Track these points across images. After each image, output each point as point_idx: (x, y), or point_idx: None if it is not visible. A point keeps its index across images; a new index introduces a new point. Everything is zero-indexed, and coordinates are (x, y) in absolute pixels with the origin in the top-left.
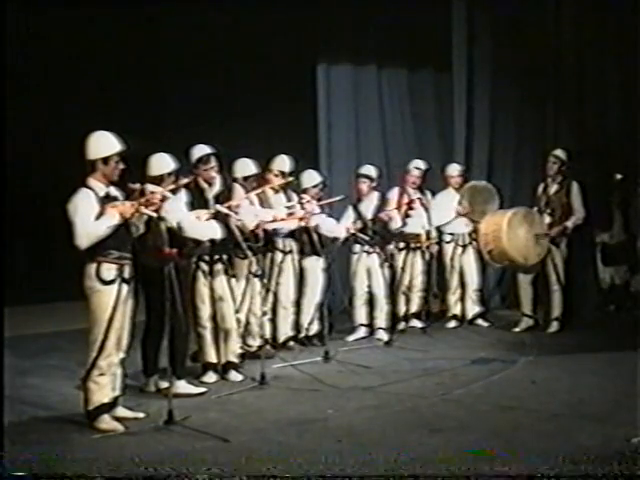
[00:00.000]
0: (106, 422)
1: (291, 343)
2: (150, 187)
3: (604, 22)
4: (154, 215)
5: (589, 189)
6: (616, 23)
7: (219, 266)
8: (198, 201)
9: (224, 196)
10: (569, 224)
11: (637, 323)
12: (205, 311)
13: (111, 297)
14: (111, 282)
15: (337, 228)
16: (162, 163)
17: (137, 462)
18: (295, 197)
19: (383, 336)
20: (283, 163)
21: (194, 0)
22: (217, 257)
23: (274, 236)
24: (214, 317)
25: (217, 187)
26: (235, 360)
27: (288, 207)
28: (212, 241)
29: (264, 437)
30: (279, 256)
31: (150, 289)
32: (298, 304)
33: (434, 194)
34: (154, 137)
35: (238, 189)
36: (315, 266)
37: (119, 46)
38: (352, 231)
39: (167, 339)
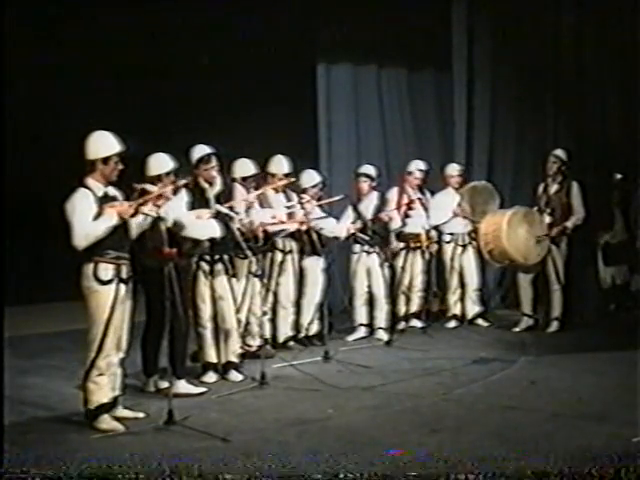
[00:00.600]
0: (106, 422)
1: (291, 343)
2: (149, 187)
3: (604, 22)
4: (154, 215)
5: (589, 189)
6: (616, 23)
7: (220, 266)
8: (199, 201)
9: (225, 196)
10: (569, 224)
11: (637, 323)
12: (206, 311)
13: (109, 297)
14: (109, 282)
15: (337, 228)
16: (160, 163)
17: (137, 462)
18: (295, 197)
19: (383, 336)
20: (282, 165)
21: (195, 1)
22: (218, 257)
23: (274, 236)
24: (214, 317)
25: (218, 187)
26: (235, 360)
27: (288, 207)
28: (212, 241)
29: (264, 437)
30: (279, 256)
31: (150, 289)
32: (298, 304)
33: (433, 194)
34: (154, 137)
35: (239, 189)
36: (315, 266)
37: (119, 46)
38: (352, 231)
39: (167, 339)
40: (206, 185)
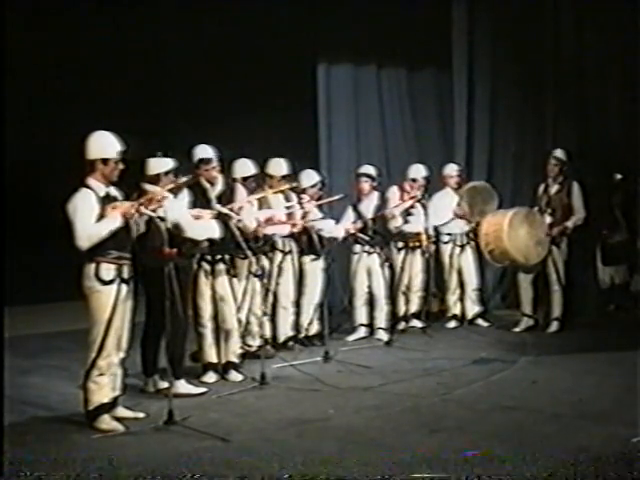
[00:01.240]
0: (106, 422)
1: (291, 343)
2: (148, 187)
3: (604, 22)
4: (154, 215)
5: (589, 189)
6: (616, 23)
7: (221, 266)
8: (200, 201)
9: (226, 196)
10: (569, 224)
11: (637, 323)
12: (206, 311)
13: (110, 297)
14: (110, 282)
15: (335, 229)
16: (159, 162)
17: (137, 462)
18: (294, 197)
19: (383, 336)
20: (280, 167)
21: (195, 1)
22: (219, 257)
23: (273, 236)
24: (215, 317)
25: (219, 187)
26: (235, 360)
27: (287, 207)
28: (211, 241)
29: (264, 437)
30: (279, 256)
31: (150, 289)
32: (298, 304)
33: (430, 194)
34: (154, 138)
35: (240, 189)
36: (315, 266)
37: (119, 46)
38: (352, 231)
39: (166, 339)
40: (207, 185)
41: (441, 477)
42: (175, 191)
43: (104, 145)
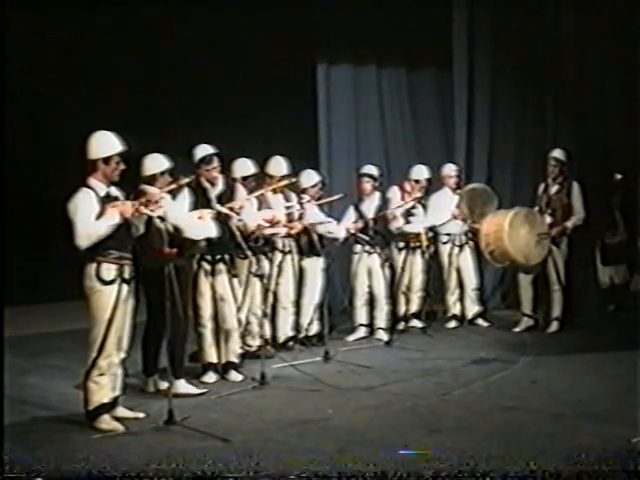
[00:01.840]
0: (106, 422)
1: (291, 343)
2: (145, 187)
3: (604, 22)
4: (154, 215)
5: (589, 189)
6: (616, 23)
7: (221, 266)
8: (201, 201)
9: (227, 196)
10: (569, 224)
11: (637, 323)
12: (206, 311)
13: (111, 297)
14: (111, 282)
15: (336, 229)
16: (155, 163)
17: (137, 462)
18: (294, 197)
19: (383, 336)
20: (280, 166)
21: (194, 1)
22: (219, 257)
23: (272, 237)
24: (215, 317)
25: (220, 187)
26: (235, 360)
27: (287, 207)
28: (209, 240)
29: (264, 437)
30: (279, 256)
31: (150, 289)
32: (298, 304)
33: (430, 194)
34: (154, 138)
35: (240, 189)
36: (315, 266)
37: (120, 46)
38: (352, 231)
39: (166, 339)
40: (208, 185)
41: (441, 477)
42: (176, 191)
43: (105, 145)
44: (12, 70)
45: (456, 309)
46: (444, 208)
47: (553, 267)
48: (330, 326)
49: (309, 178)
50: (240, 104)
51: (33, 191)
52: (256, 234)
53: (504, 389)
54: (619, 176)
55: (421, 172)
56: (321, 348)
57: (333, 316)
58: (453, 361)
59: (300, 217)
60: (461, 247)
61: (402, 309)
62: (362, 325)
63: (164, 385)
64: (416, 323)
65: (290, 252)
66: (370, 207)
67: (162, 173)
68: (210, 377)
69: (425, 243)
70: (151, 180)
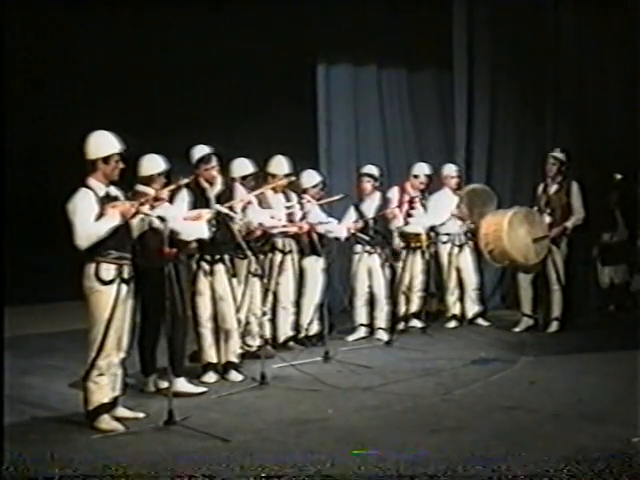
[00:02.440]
0: (106, 422)
1: (291, 343)
2: (141, 188)
3: (604, 22)
4: (153, 215)
5: (589, 189)
6: (616, 23)
7: (220, 266)
8: (200, 201)
9: (225, 196)
10: (569, 224)
11: (637, 323)
12: (206, 311)
13: (110, 297)
14: (110, 282)
15: (338, 228)
16: (152, 164)
17: (137, 462)
18: (295, 197)
19: (383, 336)
20: (282, 166)
21: (195, 0)
22: (218, 257)
23: (273, 236)
24: (215, 317)
25: (218, 187)
26: (235, 360)
27: (288, 207)
28: (200, 241)
29: (264, 437)
30: (279, 256)
31: (147, 289)
32: (298, 304)
33: (430, 194)
34: (153, 138)
35: (239, 189)
36: (315, 266)
37: (119, 46)
38: (353, 231)
39: (166, 339)
40: (207, 185)
41: (441, 477)
42: (175, 192)
43: (104, 144)
44: (12, 70)
45: (456, 309)
46: (444, 208)
47: (553, 267)
48: (330, 326)
49: (310, 178)
50: (240, 104)
51: (33, 191)
52: (258, 233)
53: (504, 389)
54: (619, 176)
55: (421, 168)
56: (321, 348)
57: (333, 316)
58: (453, 361)
59: (303, 217)
60: (461, 247)
61: (402, 309)
62: (362, 325)
63: (164, 384)
64: (416, 323)
65: (290, 252)
66: (371, 207)
67: (159, 174)
68: (210, 377)
69: (425, 243)
70: (148, 181)
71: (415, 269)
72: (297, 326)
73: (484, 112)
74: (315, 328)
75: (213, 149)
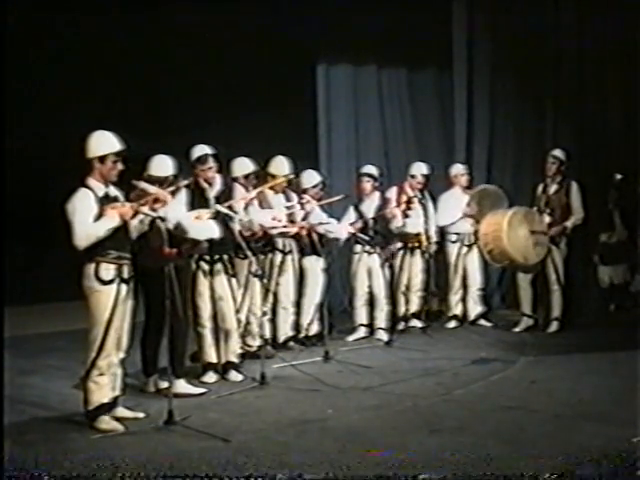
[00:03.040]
0: (106, 422)
1: (291, 343)
2: (150, 188)
3: (604, 22)
4: (154, 215)
5: (589, 189)
6: (616, 23)
7: (219, 266)
8: (199, 201)
9: (225, 196)
10: (568, 224)
11: (637, 322)
12: (205, 311)
13: (110, 297)
14: (110, 282)
15: (338, 228)
16: (163, 165)
17: (137, 462)
18: (295, 197)
19: (383, 336)
20: (283, 166)
21: (194, 0)
22: (217, 257)
23: (274, 237)
24: (214, 317)
25: (217, 187)
26: (235, 360)
27: (288, 207)
28: (210, 241)
29: (264, 437)
30: (279, 256)
31: (149, 289)
32: (298, 304)
33: (432, 195)
34: (154, 138)
35: (239, 189)
36: (315, 266)
37: (120, 46)
38: (352, 231)
39: (167, 339)
40: (206, 185)
41: (441, 477)
42: (174, 192)
43: (100, 144)
44: (12, 70)
45: (458, 309)
46: (453, 207)
47: (552, 267)
48: (330, 326)
49: (310, 178)
50: (240, 104)
51: (33, 191)
52: (260, 234)
53: (504, 389)
54: (619, 176)
55: (418, 168)
56: (321, 348)
57: (333, 316)
58: (453, 361)
59: (305, 218)
60: (470, 247)
61: (402, 309)
62: (362, 325)
63: (164, 384)
64: (416, 323)
65: (291, 252)
66: (370, 207)
67: (169, 176)
68: (210, 377)
69: (425, 243)
70: (157, 182)
71: (414, 269)
72: (297, 326)
73: (484, 112)
74: (315, 328)
75: (213, 150)
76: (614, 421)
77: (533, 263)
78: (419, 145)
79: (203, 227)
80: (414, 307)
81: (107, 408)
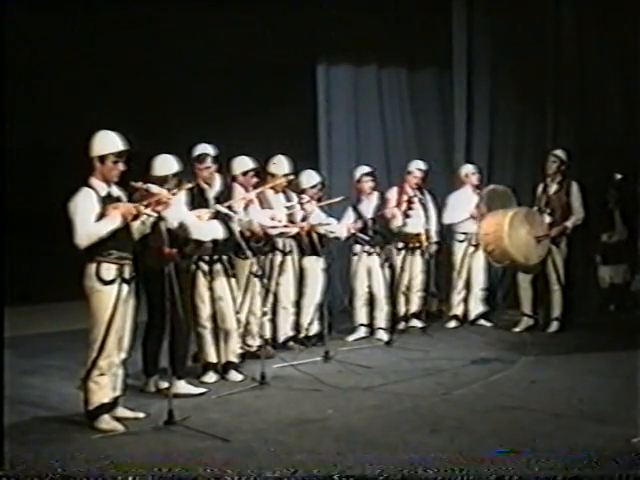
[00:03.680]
0: (106, 422)
1: (291, 343)
2: (153, 188)
3: (605, 21)
4: (154, 215)
5: (589, 189)
6: (617, 21)
7: (219, 266)
8: (198, 201)
9: (224, 196)
10: (569, 224)
11: (637, 323)
12: (205, 311)
13: (111, 297)
14: (111, 282)
15: (337, 228)
16: (166, 165)
17: (137, 462)
18: (295, 197)
19: (383, 336)
20: (282, 166)
21: (195, 0)
22: (217, 257)
23: (274, 237)
24: (214, 317)
25: (217, 187)
26: (235, 360)
27: (288, 207)
28: (214, 241)
29: (264, 437)
30: (279, 256)
31: (151, 289)
32: (298, 304)
33: (432, 194)
34: (154, 138)
35: (238, 189)
36: (315, 266)
37: (120, 46)
38: (352, 231)
39: (168, 339)
40: (205, 186)
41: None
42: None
43: (102, 143)
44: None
45: (459, 309)
46: (463, 207)
47: (553, 267)
48: (329, 327)
49: (309, 179)
50: (240, 104)
51: (33, 191)
52: (260, 234)
53: (504, 389)
54: (619, 176)
55: (414, 164)
56: (321, 348)
57: (333, 316)
58: (453, 361)
59: (305, 218)
60: (476, 247)
61: (402, 309)
62: (362, 325)
63: (164, 384)
64: (416, 323)
65: (291, 252)
66: (369, 207)
67: (173, 175)
68: (210, 377)
69: (425, 243)
70: (160, 181)
71: (415, 269)
72: (297, 326)
73: (484, 112)
74: (315, 328)
75: (216, 150)
76: (614, 421)
77: (534, 263)
78: (419, 145)
79: (207, 228)
80: (414, 307)
81: (107, 408)
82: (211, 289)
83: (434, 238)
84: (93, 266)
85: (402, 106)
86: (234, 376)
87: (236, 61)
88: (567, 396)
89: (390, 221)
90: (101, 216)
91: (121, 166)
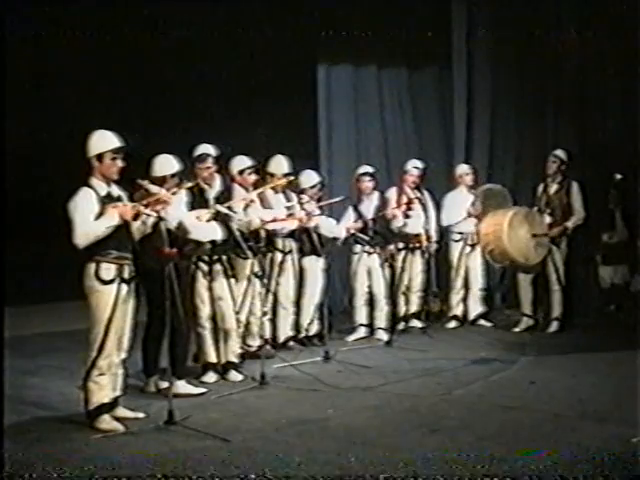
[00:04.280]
0: (106, 422)
1: (291, 343)
2: (154, 188)
3: (605, 22)
4: (154, 215)
5: (589, 189)
6: (617, 23)
7: (218, 266)
8: (198, 201)
9: (224, 197)
10: (569, 224)
11: (637, 323)
12: (204, 311)
13: (110, 297)
14: (110, 282)
15: (337, 228)
16: (166, 165)
17: (137, 462)
18: (295, 197)
19: (383, 336)
20: (282, 165)
21: (195, 0)
22: (216, 258)
23: (274, 236)
24: (214, 317)
25: (217, 188)
26: (235, 360)
27: (288, 207)
28: (212, 242)
29: (264, 437)
30: (279, 256)
31: (151, 289)
32: (298, 304)
33: (432, 194)
34: (153, 137)
35: (238, 189)
36: (315, 266)
37: (120, 45)
38: (352, 231)
39: (168, 339)
40: (205, 186)
41: (441, 477)
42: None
43: (97, 142)
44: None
45: (458, 309)
46: (458, 207)
47: (553, 267)
48: (329, 327)
49: (308, 179)
50: (240, 104)
51: (33, 191)
52: (267, 229)
53: (504, 389)
54: (619, 176)
55: (411, 163)
56: (321, 348)
57: (333, 316)
58: (453, 361)
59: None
60: (473, 246)
61: (402, 309)
62: (362, 325)
63: (164, 384)
64: (416, 323)
65: (290, 252)
66: (369, 207)
67: (172, 175)
68: (210, 377)
69: (425, 244)
70: (160, 181)
71: (415, 269)
72: (297, 326)
73: (484, 112)
74: (315, 328)
75: (217, 151)
76: (614, 421)
77: (534, 263)
78: (419, 145)
79: (205, 229)
80: (414, 307)
81: (107, 408)
82: (211, 289)
83: (434, 238)
84: (92, 266)
85: (402, 106)
86: (234, 376)
87: (236, 61)
88: (567, 396)
89: (390, 221)
90: (100, 216)
91: (119, 163)
